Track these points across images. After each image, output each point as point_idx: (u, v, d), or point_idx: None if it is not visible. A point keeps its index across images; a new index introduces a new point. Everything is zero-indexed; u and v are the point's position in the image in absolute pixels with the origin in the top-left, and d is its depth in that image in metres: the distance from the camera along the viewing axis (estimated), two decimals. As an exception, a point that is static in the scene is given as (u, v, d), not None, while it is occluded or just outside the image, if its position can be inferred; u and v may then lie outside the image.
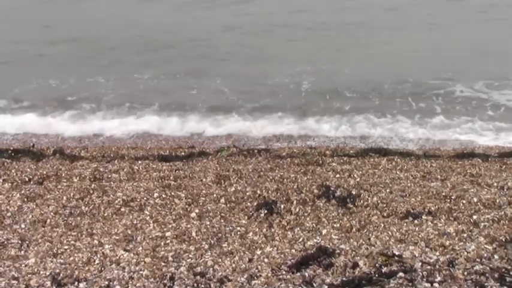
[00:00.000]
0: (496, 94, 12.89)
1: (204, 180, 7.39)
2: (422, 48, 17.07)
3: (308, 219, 6.14)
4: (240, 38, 19.43)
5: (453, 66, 15.01)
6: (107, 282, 4.87)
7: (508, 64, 15.22)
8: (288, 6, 23.62)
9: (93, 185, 7.14)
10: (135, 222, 6.13)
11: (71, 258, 5.31)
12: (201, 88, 14.25)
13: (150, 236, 5.78)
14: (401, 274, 4.64)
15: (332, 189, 6.86)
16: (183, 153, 9.09)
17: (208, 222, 6.09)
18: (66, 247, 5.56)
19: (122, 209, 6.47)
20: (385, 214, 6.21)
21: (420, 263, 4.86)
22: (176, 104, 13.10)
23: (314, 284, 4.71)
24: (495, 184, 6.99)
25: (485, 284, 4.46)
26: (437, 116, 11.86)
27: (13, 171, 7.86)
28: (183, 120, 12.08)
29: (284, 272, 4.97)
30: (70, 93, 14.11)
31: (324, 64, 15.76)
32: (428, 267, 4.78)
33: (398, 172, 7.72)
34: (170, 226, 6.03)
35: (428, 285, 4.49)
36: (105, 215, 6.35)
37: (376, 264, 4.92)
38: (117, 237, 5.77)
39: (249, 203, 6.57)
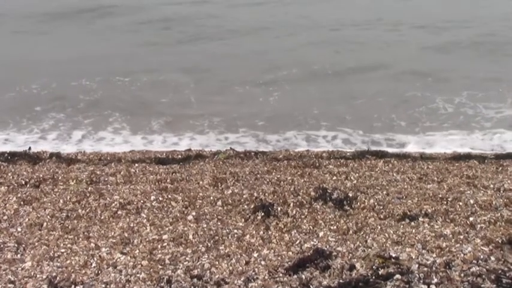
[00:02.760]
0: (481, 107, 12.81)
1: (200, 183, 7.39)
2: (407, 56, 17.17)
3: (305, 221, 6.14)
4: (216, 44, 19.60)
5: (433, 76, 15.04)
6: (103, 286, 4.87)
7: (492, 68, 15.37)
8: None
9: (89, 188, 7.13)
10: (132, 225, 6.13)
11: (68, 262, 5.30)
12: (171, 96, 14.09)
13: (147, 239, 5.78)
14: (398, 276, 4.65)
15: (329, 191, 6.86)
16: (179, 156, 9.07)
17: (205, 225, 6.09)
18: (62, 250, 5.55)
19: (119, 212, 6.46)
20: (381, 216, 6.21)
21: (417, 265, 4.86)
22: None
23: (311, 286, 4.71)
24: (491, 186, 7.01)
25: (482, 285, 4.47)
26: (424, 131, 11.47)
27: (9, 174, 7.84)
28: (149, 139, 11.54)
29: (281, 275, 4.97)
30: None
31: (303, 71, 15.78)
32: (425, 269, 4.79)
33: (395, 174, 7.72)
34: (167, 229, 6.02)
35: (425, 287, 4.50)
36: (102, 218, 6.34)
37: (373, 266, 4.93)
38: (114, 240, 5.76)
39: (245, 206, 6.57)
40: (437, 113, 12.49)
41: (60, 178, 7.63)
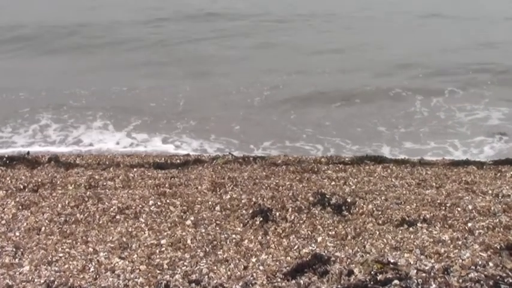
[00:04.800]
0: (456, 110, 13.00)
1: (199, 187, 7.38)
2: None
3: (303, 226, 6.14)
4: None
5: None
6: (101, 290, 4.86)
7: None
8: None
9: (88, 193, 7.12)
10: (130, 229, 6.12)
11: (66, 266, 5.29)
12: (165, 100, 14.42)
13: (145, 244, 5.77)
14: (396, 281, 4.64)
15: (327, 196, 6.86)
16: (178, 161, 9.08)
17: (203, 230, 6.08)
18: (61, 255, 5.54)
19: (117, 217, 6.46)
20: (380, 221, 6.21)
21: (415, 271, 4.85)
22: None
23: (309, 291, 4.71)
24: (490, 192, 7.01)
25: (480, 291, 4.47)
26: (402, 140, 11.64)
27: (8, 178, 7.83)
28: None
29: (279, 280, 4.96)
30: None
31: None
32: (423, 274, 4.78)
33: (393, 179, 7.73)
34: (165, 234, 6.01)
35: (424, 292, 4.50)
36: (100, 222, 6.34)
37: (371, 272, 4.92)
38: (112, 245, 5.75)
39: (244, 211, 6.56)
40: (414, 117, 12.75)
41: (58, 182, 7.62)
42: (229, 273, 5.14)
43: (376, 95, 14.83)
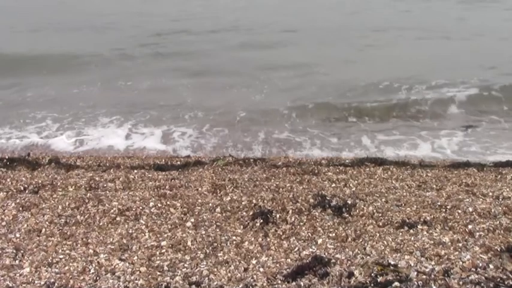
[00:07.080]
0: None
1: (199, 189, 7.39)
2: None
3: (304, 228, 6.14)
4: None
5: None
6: (101, 292, 4.86)
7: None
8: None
9: (88, 194, 7.12)
10: (130, 231, 6.12)
11: (66, 268, 5.29)
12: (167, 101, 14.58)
13: (146, 245, 5.77)
14: (396, 283, 4.64)
15: (328, 198, 6.86)
16: (178, 163, 9.08)
17: (203, 232, 6.08)
18: (61, 256, 5.54)
19: (118, 218, 6.46)
20: (380, 223, 6.21)
21: (415, 273, 4.86)
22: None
23: (309, 293, 4.71)
24: (490, 194, 7.01)
25: (481, 293, 4.47)
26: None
27: (8, 180, 7.84)
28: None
29: (279, 282, 4.96)
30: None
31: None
32: (424, 276, 4.79)
33: (393, 181, 7.72)
34: (166, 235, 6.01)
35: (424, 294, 4.50)
36: (101, 224, 6.34)
37: (372, 274, 4.92)
38: (113, 247, 5.76)
39: (244, 213, 6.56)
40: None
41: (59, 184, 7.62)
42: (229, 275, 5.14)
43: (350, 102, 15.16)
